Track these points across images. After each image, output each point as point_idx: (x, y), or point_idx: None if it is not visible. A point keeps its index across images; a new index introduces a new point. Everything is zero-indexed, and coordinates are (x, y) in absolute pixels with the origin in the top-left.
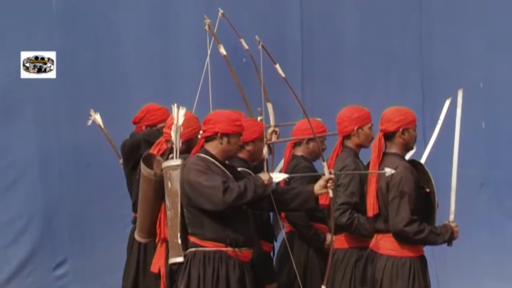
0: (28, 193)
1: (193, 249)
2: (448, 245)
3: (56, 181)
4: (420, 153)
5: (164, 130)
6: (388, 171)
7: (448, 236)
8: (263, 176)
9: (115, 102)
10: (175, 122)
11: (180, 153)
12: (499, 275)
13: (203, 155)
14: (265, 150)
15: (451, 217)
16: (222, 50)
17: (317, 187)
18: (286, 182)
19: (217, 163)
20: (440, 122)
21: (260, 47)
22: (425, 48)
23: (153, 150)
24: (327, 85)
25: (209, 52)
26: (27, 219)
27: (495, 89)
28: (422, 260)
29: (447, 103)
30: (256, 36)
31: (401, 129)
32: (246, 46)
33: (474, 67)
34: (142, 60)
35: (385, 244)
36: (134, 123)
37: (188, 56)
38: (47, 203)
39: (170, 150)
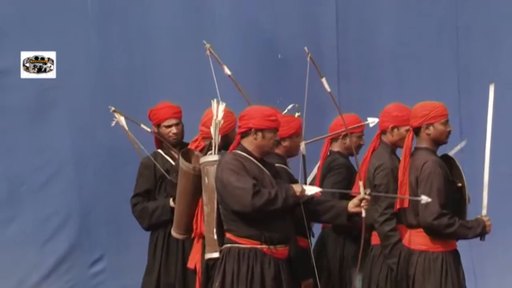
0: (64, 190)
1: (228, 245)
2: (481, 239)
3: (92, 178)
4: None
5: (200, 128)
6: (424, 199)
7: (479, 230)
8: (296, 187)
9: (148, 104)
10: (214, 117)
11: (218, 148)
12: None
13: (239, 151)
14: (302, 146)
15: (484, 212)
16: (227, 71)
17: (351, 204)
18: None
19: (253, 159)
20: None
21: (308, 58)
22: (462, 43)
23: (191, 147)
24: (362, 83)
25: (214, 75)
26: (63, 216)
27: None
28: (455, 254)
29: (492, 92)
30: (306, 48)
31: (424, 124)
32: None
33: (510, 61)
34: (174, 62)
35: (416, 239)
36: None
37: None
38: (84, 200)
39: (209, 146)
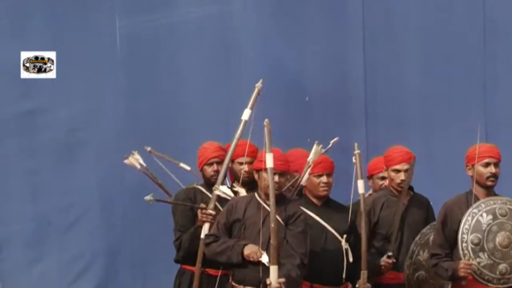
0: (91, 231)
1: None
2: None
3: (119, 219)
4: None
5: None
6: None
7: (450, 273)
8: (252, 248)
9: (175, 143)
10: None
11: None
12: None
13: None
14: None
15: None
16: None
17: None
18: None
19: (259, 199)
20: None
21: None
22: (489, 91)
23: None
24: (390, 124)
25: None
26: (89, 257)
27: None
28: None
29: None
30: (356, 144)
31: (467, 165)
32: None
33: None
34: (202, 102)
35: None
36: None
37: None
38: (110, 241)
39: None
